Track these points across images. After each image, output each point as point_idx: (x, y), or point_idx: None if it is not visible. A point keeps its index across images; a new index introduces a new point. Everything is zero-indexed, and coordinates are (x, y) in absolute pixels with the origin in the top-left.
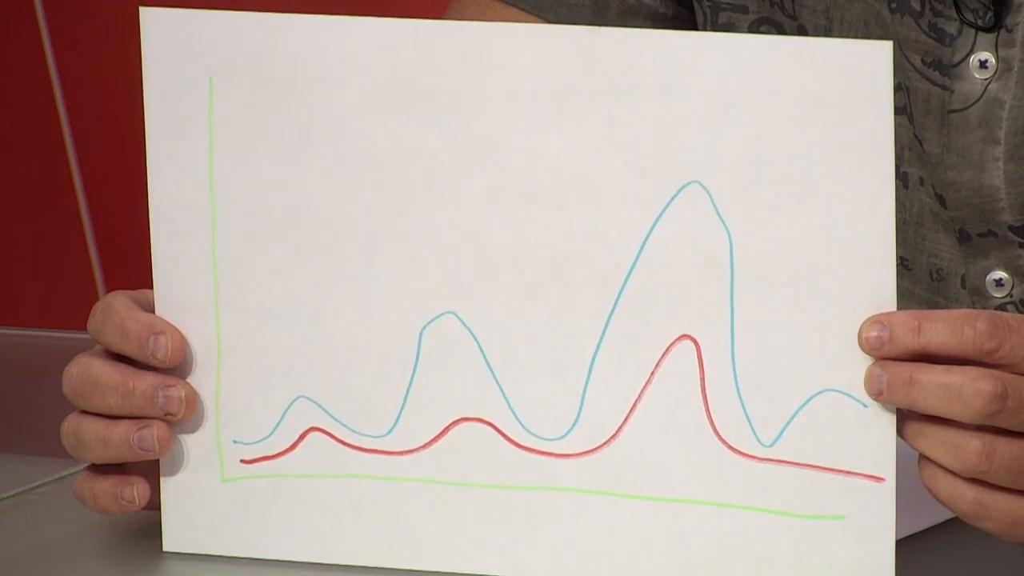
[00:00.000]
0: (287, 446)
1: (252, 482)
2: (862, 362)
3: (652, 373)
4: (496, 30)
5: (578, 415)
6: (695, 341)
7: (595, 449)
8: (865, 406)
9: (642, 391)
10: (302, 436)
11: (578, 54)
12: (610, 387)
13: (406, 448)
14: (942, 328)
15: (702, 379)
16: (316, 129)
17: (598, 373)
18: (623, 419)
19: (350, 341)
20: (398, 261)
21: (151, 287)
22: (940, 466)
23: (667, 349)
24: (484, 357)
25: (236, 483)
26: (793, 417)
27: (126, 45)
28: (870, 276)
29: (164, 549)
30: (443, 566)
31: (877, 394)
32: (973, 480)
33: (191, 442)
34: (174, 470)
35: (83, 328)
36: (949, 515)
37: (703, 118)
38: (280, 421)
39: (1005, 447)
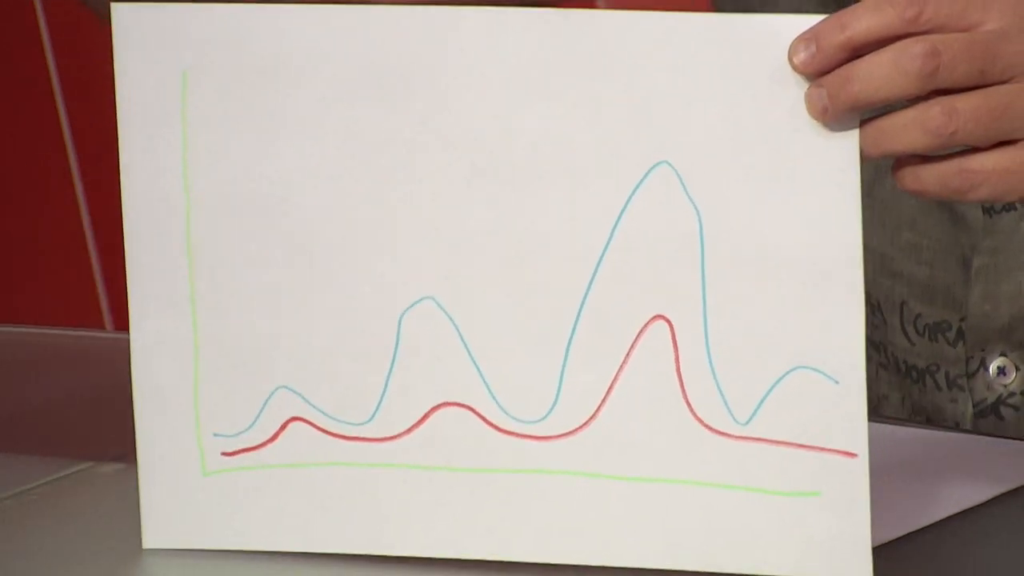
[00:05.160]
0: (268, 437)
1: (234, 474)
2: (833, 339)
3: (627, 354)
4: (467, 14)
5: (556, 397)
6: (668, 321)
7: (574, 431)
8: (836, 382)
9: (618, 372)
10: (283, 426)
11: (549, 36)
12: (587, 369)
13: (387, 435)
14: (863, 13)
15: (676, 358)
16: (291, 119)
17: (575, 355)
18: (600, 400)
19: (329, 330)
20: (376, 248)
21: None
22: (914, 159)
23: (641, 329)
24: (463, 341)
25: (218, 476)
26: (767, 395)
27: None
28: (837, 252)
29: (144, 546)
30: (427, 551)
31: (822, 112)
32: (951, 155)
33: (170, 438)
34: (154, 466)
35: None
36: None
37: (671, 97)
38: (260, 412)
39: (963, 102)
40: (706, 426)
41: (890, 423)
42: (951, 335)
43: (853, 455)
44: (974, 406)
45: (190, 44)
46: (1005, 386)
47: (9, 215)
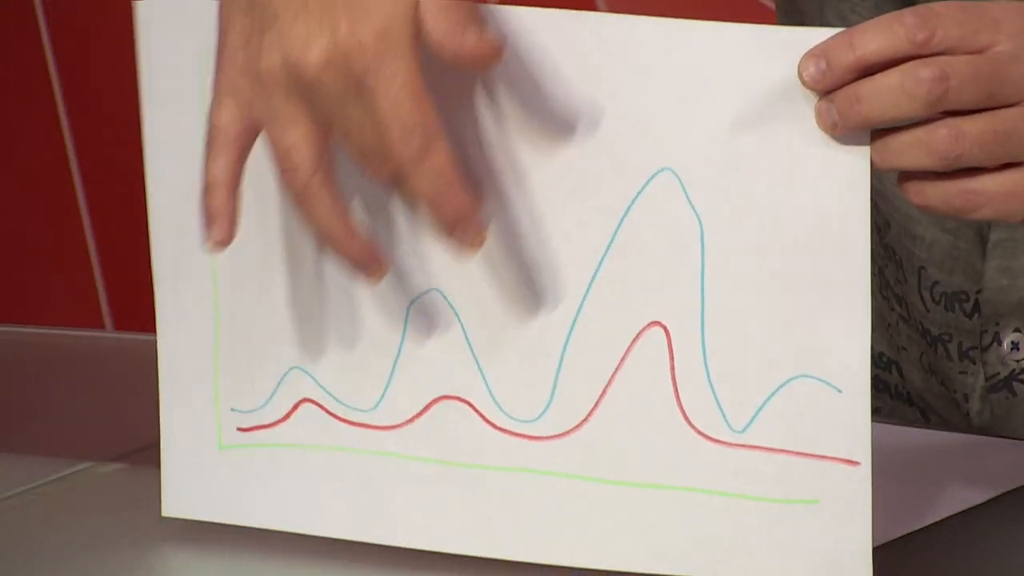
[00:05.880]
0: (281, 416)
1: (248, 450)
2: (837, 348)
3: (622, 359)
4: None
5: (551, 398)
6: (665, 328)
7: (566, 433)
8: (839, 391)
9: (612, 377)
10: (295, 407)
11: (559, 38)
12: (581, 372)
13: (391, 423)
14: (873, 34)
15: (672, 366)
16: None
17: (570, 357)
18: (593, 404)
19: (341, 315)
20: (387, 237)
21: (150, 286)
22: (919, 174)
23: (637, 335)
24: (466, 336)
25: (233, 450)
26: (766, 403)
27: (126, 44)
28: (842, 262)
29: (163, 514)
30: (418, 543)
31: (832, 127)
32: (956, 174)
33: (191, 411)
34: (175, 439)
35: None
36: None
37: (676, 105)
38: (275, 391)
39: (969, 125)
40: (700, 433)
41: (890, 423)
42: (968, 306)
43: (855, 463)
44: (986, 379)
45: (209, 30)
46: (1018, 361)
47: (9, 215)
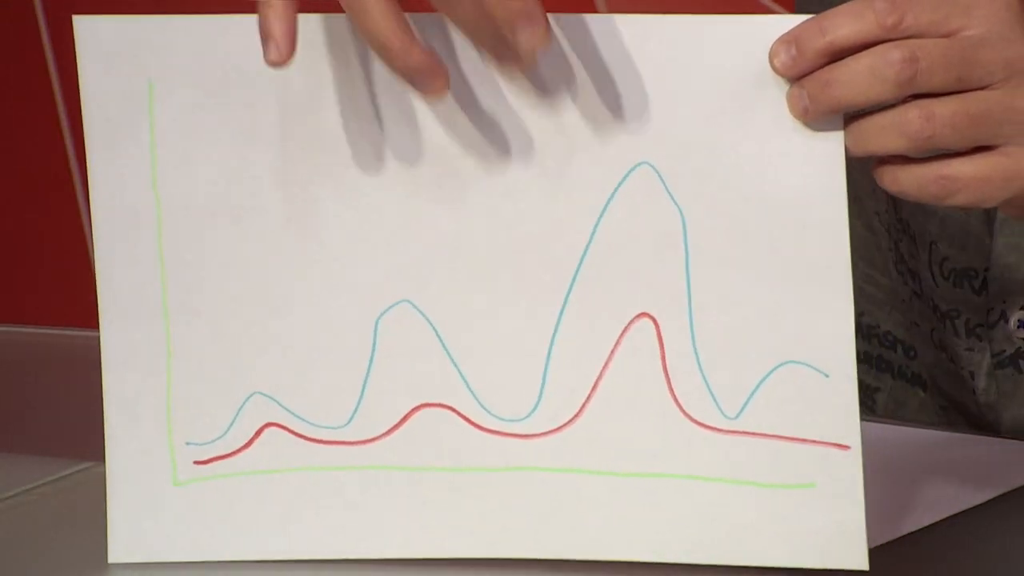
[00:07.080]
0: (242, 444)
1: (207, 483)
2: (822, 334)
3: (612, 352)
4: (440, 19)
5: (539, 395)
6: (653, 319)
7: (558, 429)
8: (827, 376)
9: (603, 370)
10: (258, 433)
11: None
12: (570, 367)
13: (366, 438)
14: (843, 19)
15: (662, 355)
16: (260, 126)
17: (558, 354)
18: (585, 398)
19: (304, 335)
20: (349, 252)
21: None
22: (893, 159)
23: (626, 328)
24: (442, 343)
25: (190, 485)
26: (756, 389)
27: None
28: (822, 247)
29: (110, 560)
30: (410, 553)
31: (803, 113)
32: (930, 160)
33: (141, 448)
34: (122, 478)
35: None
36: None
37: (651, 99)
38: (234, 419)
39: (941, 107)
40: (694, 421)
41: (891, 423)
42: (976, 283)
43: (846, 447)
44: (993, 356)
45: (155, 55)
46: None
47: (9, 215)
